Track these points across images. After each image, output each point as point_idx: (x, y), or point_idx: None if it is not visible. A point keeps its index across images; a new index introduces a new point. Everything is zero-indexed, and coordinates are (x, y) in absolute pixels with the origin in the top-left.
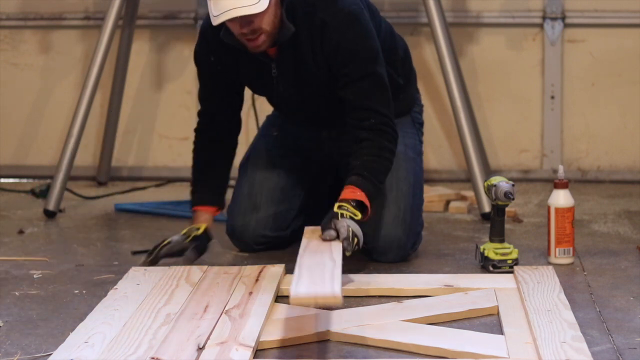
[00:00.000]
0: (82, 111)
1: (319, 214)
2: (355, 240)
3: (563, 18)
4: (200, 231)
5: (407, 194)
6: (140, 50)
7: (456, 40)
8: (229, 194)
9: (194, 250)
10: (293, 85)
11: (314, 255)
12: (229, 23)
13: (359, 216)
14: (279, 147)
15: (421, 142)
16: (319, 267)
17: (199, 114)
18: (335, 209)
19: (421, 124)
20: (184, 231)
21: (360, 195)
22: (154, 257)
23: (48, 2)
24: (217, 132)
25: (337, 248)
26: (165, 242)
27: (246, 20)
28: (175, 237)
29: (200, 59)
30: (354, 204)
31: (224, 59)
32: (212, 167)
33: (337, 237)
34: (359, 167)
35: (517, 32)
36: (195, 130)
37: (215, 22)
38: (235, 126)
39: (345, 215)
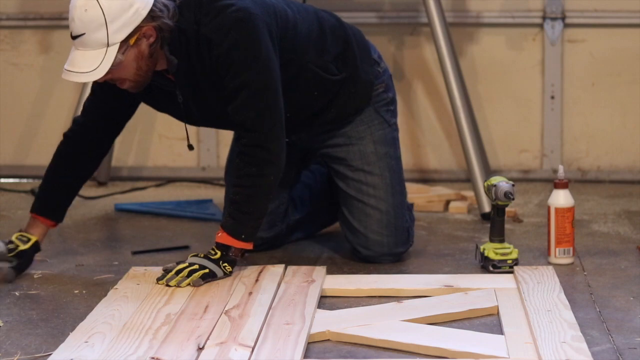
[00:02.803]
0: None
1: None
2: (195, 266)
3: (563, 18)
4: (28, 245)
5: (386, 195)
6: None
7: (456, 40)
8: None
9: (12, 270)
10: (201, 107)
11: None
12: None
13: (217, 255)
14: None
15: (394, 124)
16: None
17: (75, 120)
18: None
19: (389, 102)
20: (14, 237)
21: (220, 237)
22: None
23: (48, 2)
24: (88, 144)
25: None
26: None
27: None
28: (0, 245)
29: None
30: (215, 246)
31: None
32: (66, 179)
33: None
34: (227, 202)
35: (517, 32)
36: (65, 134)
37: (62, 76)
38: (103, 148)
39: (199, 255)
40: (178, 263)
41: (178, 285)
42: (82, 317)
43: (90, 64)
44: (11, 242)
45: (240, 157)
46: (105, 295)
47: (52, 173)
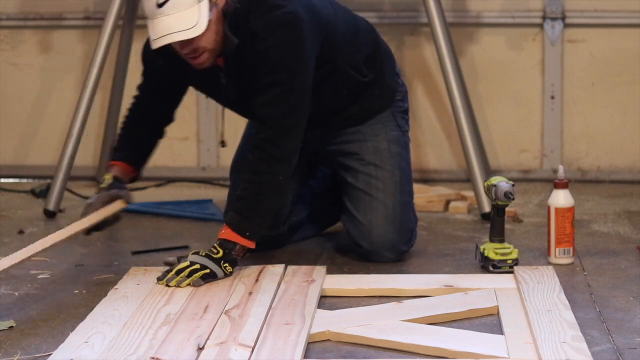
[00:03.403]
0: (82, 111)
1: (312, 201)
2: (197, 266)
3: (563, 18)
4: (109, 177)
5: (394, 192)
6: (140, 50)
7: (456, 40)
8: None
9: (125, 191)
10: (241, 93)
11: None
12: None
13: (219, 253)
14: None
15: (406, 131)
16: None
17: (135, 97)
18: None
19: (405, 111)
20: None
21: (225, 233)
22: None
23: (48, 2)
24: (151, 114)
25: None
26: (87, 202)
27: (185, 42)
28: (92, 197)
29: (148, 59)
30: (218, 243)
31: (172, 63)
32: (140, 137)
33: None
34: (234, 199)
35: (517, 32)
36: (135, 97)
37: (154, 45)
38: (167, 119)
39: (200, 253)
40: (179, 259)
41: (178, 286)
42: (82, 317)
43: (188, 23)
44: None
45: (253, 152)
46: (105, 295)
47: (129, 130)
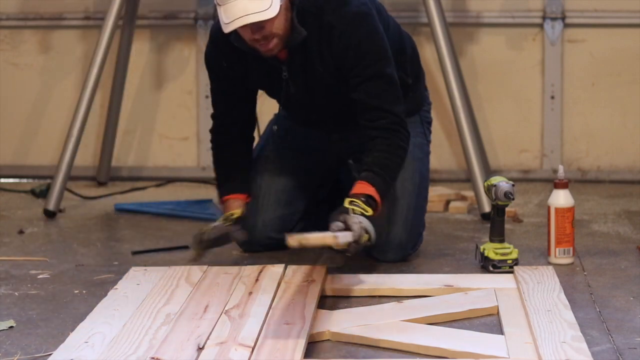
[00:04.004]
0: (82, 111)
1: (315, 220)
2: (367, 237)
3: (563, 18)
4: (237, 215)
5: (411, 193)
6: (140, 50)
7: (456, 40)
8: None
9: (242, 231)
10: (303, 87)
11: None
12: (241, 29)
13: (369, 212)
14: (286, 149)
15: (429, 142)
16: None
17: (213, 116)
18: (347, 204)
19: (429, 123)
20: (220, 220)
21: (371, 190)
22: (203, 244)
23: (48, 2)
24: (232, 133)
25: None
26: (206, 229)
27: (258, 26)
28: (215, 224)
29: (211, 63)
30: (364, 200)
31: (235, 63)
32: (235, 162)
33: (346, 230)
34: (370, 163)
35: (517, 32)
36: (211, 131)
37: (227, 29)
38: (250, 125)
39: (356, 212)
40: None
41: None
42: (82, 317)
43: (261, 5)
44: (222, 221)
45: (387, 131)
46: (105, 295)
47: (223, 161)
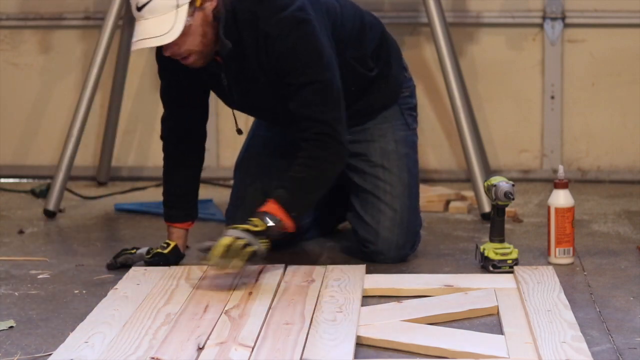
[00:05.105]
0: (82, 111)
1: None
2: (243, 241)
3: (563, 18)
4: (168, 250)
5: (402, 194)
6: (140, 50)
7: (456, 40)
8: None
9: (141, 260)
10: (245, 93)
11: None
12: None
13: (260, 226)
14: (271, 147)
15: (414, 129)
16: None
17: (163, 119)
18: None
19: (412, 108)
20: (153, 249)
21: (270, 207)
22: (112, 264)
23: (48, 2)
24: (185, 138)
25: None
26: (131, 251)
27: (165, 46)
28: (142, 250)
29: (160, 55)
30: (259, 216)
31: (181, 64)
32: (184, 177)
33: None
34: (286, 178)
35: (517, 32)
36: (162, 137)
37: (132, 48)
38: (201, 121)
39: (238, 227)
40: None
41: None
42: (82, 317)
43: (162, 28)
44: (149, 249)
45: (310, 143)
46: (105, 295)
47: (169, 176)
